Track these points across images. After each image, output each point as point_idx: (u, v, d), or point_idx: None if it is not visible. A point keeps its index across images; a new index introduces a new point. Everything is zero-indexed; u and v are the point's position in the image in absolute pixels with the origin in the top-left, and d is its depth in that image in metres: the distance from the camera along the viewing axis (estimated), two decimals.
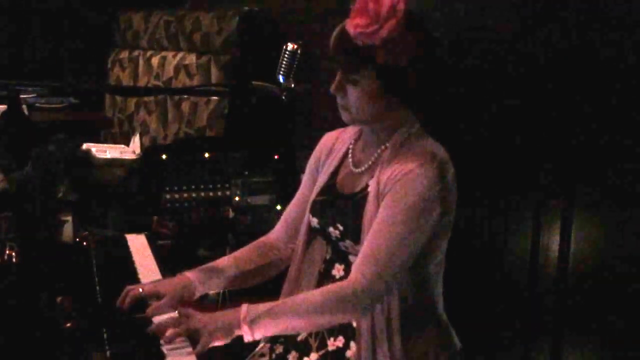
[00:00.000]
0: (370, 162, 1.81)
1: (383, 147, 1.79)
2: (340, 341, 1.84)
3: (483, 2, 2.73)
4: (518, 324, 2.72)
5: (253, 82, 2.01)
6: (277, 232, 2.06)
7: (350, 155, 1.89)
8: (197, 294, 1.90)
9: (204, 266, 1.98)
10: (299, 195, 2.03)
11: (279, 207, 2.95)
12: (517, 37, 2.62)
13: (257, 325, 1.68)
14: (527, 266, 2.64)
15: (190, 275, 1.91)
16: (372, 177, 1.76)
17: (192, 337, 1.68)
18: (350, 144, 1.90)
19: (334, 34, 1.72)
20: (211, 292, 2.02)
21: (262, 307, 1.70)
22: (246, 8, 3.86)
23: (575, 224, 2.50)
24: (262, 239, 2.07)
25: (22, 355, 1.57)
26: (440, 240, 1.79)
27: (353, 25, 1.65)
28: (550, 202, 2.57)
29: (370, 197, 1.74)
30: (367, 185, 1.77)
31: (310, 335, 1.88)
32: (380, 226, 1.69)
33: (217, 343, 1.69)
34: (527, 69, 2.58)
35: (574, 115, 2.46)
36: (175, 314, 1.79)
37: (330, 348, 1.85)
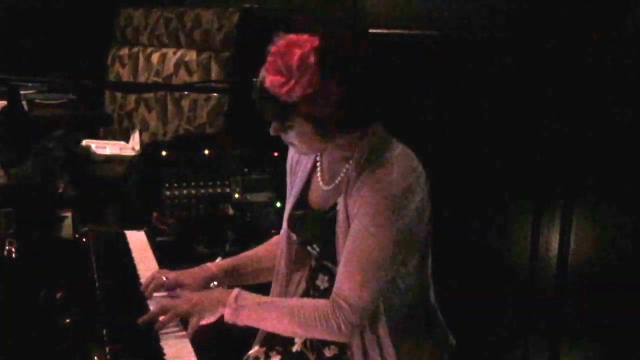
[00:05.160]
0: (337, 180, 1.78)
1: (347, 165, 1.75)
2: (334, 349, 1.86)
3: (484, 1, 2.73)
4: (517, 324, 2.72)
5: (253, 79, 2.01)
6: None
7: (318, 168, 1.86)
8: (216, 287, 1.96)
9: (226, 260, 2.04)
10: (287, 197, 2.02)
11: (278, 204, 2.95)
12: (517, 35, 2.62)
13: (241, 311, 1.72)
14: (527, 266, 2.64)
15: (212, 267, 1.97)
16: (340, 194, 1.73)
17: (183, 319, 1.74)
18: (317, 155, 1.87)
19: (257, 83, 1.66)
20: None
21: (252, 297, 1.74)
22: (246, 5, 3.86)
23: (575, 224, 2.50)
24: (278, 236, 2.08)
25: (21, 351, 1.56)
26: (424, 242, 1.78)
27: (269, 82, 1.60)
28: (550, 202, 2.57)
29: (340, 219, 1.72)
30: (336, 204, 1.75)
31: (305, 346, 1.90)
32: (358, 248, 1.66)
33: (207, 321, 1.74)
34: (527, 68, 2.57)
35: (574, 115, 2.46)
36: (165, 297, 1.85)
37: (327, 355, 1.86)
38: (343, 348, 1.83)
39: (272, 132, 1.71)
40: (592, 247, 2.49)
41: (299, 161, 1.92)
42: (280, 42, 1.61)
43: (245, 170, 2.99)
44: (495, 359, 2.84)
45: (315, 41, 1.60)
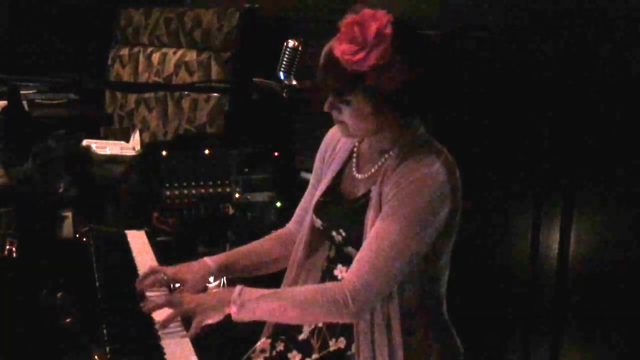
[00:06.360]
0: (373, 170, 1.80)
1: (386, 155, 1.78)
2: (341, 342, 1.84)
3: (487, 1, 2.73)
4: (518, 324, 2.72)
5: (254, 79, 2.01)
6: (292, 225, 2.08)
7: (354, 157, 1.88)
8: (215, 281, 1.98)
9: (224, 254, 2.03)
10: (310, 188, 2.04)
11: (278, 204, 2.95)
12: (516, 35, 2.62)
13: (247, 306, 1.70)
14: (527, 266, 2.64)
15: (210, 262, 1.97)
16: (375, 184, 1.75)
17: (186, 318, 1.72)
18: (355, 146, 1.89)
19: (322, 54, 1.69)
20: (211, 284, 2.04)
21: (255, 292, 1.72)
22: (247, 5, 3.86)
23: (575, 224, 2.50)
24: (281, 230, 2.10)
25: (22, 351, 1.56)
26: (448, 239, 1.79)
27: (340, 50, 1.63)
28: (550, 202, 2.57)
29: (371, 206, 1.73)
30: (369, 191, 1.77)
31: (312, 335, 1.89)
32: (381, 231, 1.68)
33: (210, 321, 1.72)
34: (527, 68, 2.57)
35: (574, 115, 2.46)
36: (167, 293, 1.86)
37: (332, 349, 1.85)
38: (349, 341, 1.81)
39: (326, 107, 1.73)
40: (592, 247, 2.49)
41: (332, 153, 1.94)
42: (356, 14, 1.65)
43: (245, 170, 2.99)
44: (496, 359, 2.84)
45: (392, 17, 1.64)
